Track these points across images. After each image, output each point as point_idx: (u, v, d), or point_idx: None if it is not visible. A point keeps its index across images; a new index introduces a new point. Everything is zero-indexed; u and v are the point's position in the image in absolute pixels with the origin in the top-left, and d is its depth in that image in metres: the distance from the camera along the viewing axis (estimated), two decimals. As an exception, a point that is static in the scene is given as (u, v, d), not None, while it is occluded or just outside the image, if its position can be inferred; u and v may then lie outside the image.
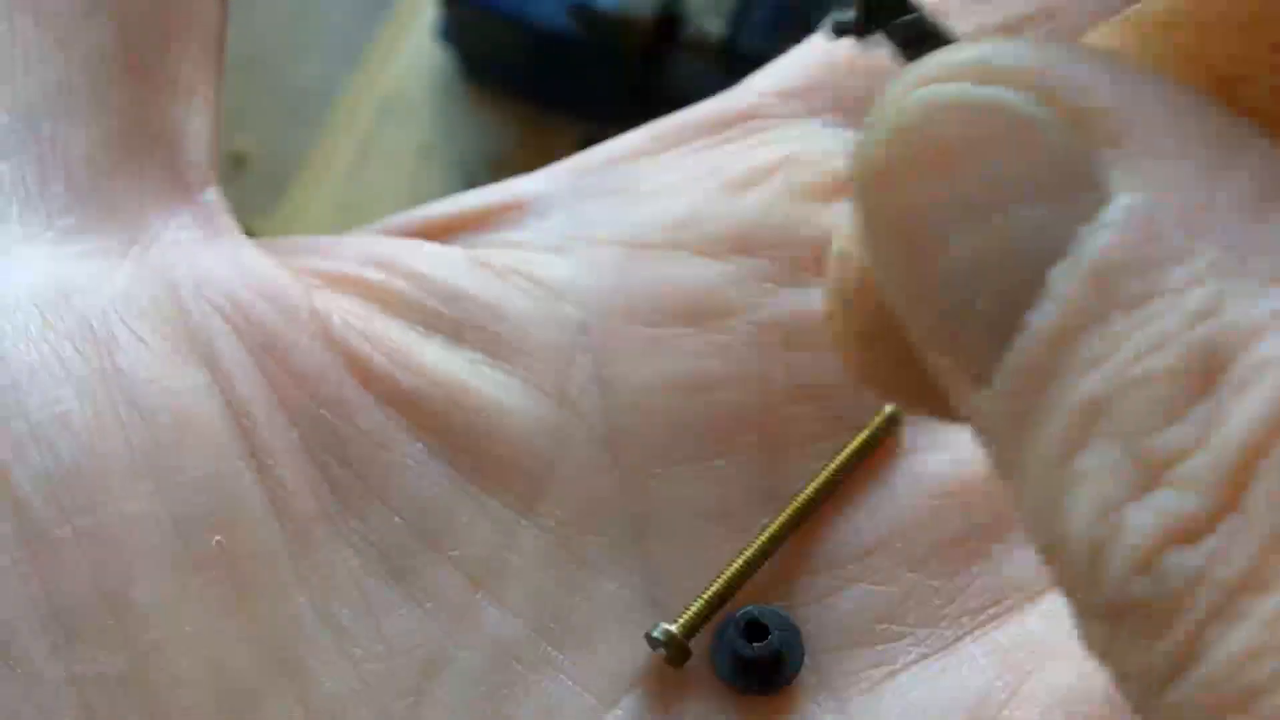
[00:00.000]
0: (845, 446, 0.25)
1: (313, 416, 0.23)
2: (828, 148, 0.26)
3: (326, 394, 0.23)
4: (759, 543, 0.24)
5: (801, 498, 0.25)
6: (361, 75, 0.65)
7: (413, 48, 0.64)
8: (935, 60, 0.14)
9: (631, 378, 0.24)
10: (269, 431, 0.22)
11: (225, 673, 0.21)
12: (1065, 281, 0.13)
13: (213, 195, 0.24)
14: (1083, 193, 0.13)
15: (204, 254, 0.23)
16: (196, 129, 0.24)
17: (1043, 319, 0.13)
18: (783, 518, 0.24)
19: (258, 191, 0.72)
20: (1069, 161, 0.13)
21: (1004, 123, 0.13)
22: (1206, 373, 0.12)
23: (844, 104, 0.26)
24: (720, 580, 0.24)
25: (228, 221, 0.24)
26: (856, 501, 0.25)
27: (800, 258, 0.25)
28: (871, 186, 0.14)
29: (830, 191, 0.25)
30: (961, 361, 0.14)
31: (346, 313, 0.24)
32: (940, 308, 0.14)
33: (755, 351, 0.25)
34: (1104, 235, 0.13)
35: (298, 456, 0.22)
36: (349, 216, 0.62)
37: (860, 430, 0.25)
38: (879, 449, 0.25)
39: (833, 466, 0.25)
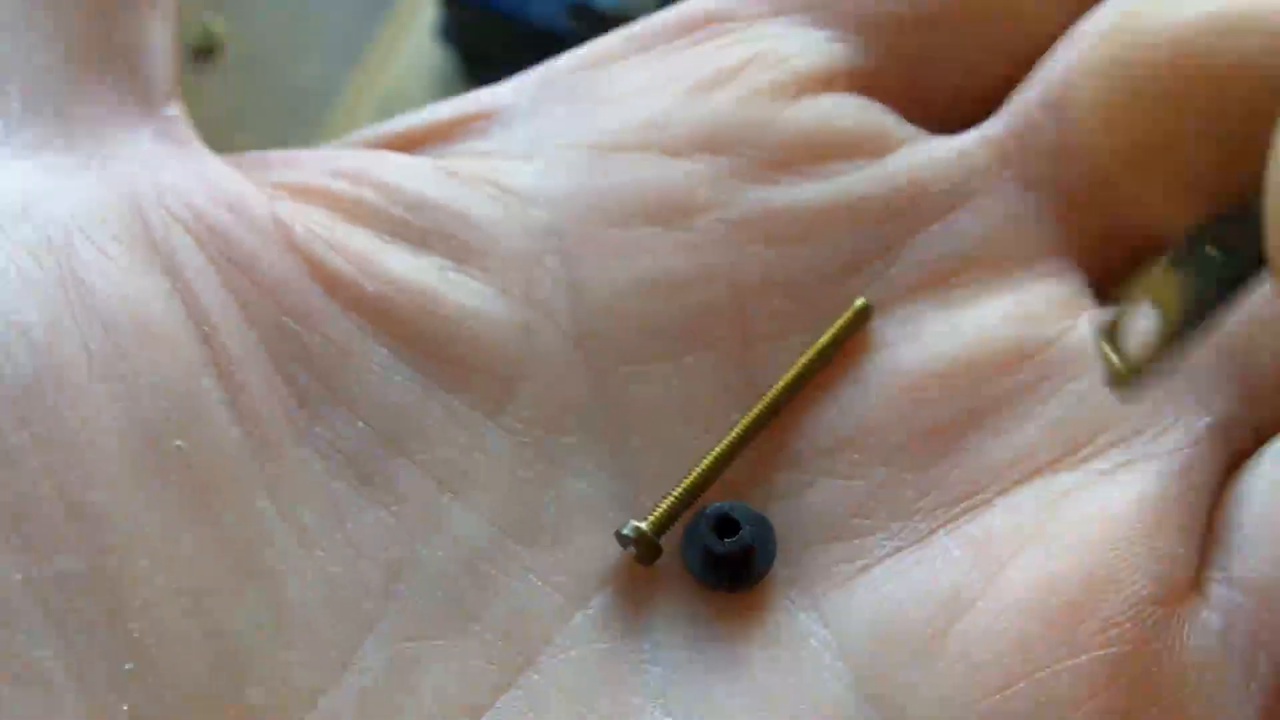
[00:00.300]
0: (817, 340, 0.25)
1: (276, 324, 0.23)
2: (795, 46, 0.26)
3: (290, 302, 0.23)
4: (730, 438, 0.24)
5: (772, 392, 0.24)
6: (361, 75, 0.65)
7: (413, 48, 0.64)
8: None
9: (601, 279, 0.24)
10: (231, 339, 0.22)
11: (186, 573, 0.21)
12: None
13: (175, 109, 0.24)
14: None
15: (166, 166, 0.23)
16: (157, 42, 0.24)
17: None
18: (754, 413, 0.24)
19: (258, 191, 0.71)
20: None
21: None
22: None
23: (811, 2, 0.27)
24: (691, 477, 0.24)
25: (190, 134, 0.24)
26: (828, 395, 0.25)
27: (768, 154, 0.25)
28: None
29: (798, 89, 0.26)
30: None
31: (311, 221, 0.24)
32: None
33: (726, 249, 0.25)
34: None
35: (261, 363, 0.22)
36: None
37: (832, 323, 0.25)
38: (851, 342, 0.25)
39: (803, 360, 0.25)
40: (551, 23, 0.55)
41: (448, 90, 0.63)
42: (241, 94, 0.71)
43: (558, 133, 0.26)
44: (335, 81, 0.67)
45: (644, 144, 0.25)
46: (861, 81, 0.26)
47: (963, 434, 0.24)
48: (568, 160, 0.25)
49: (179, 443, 0.21)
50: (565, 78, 0.27)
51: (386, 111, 0.64)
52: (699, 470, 0.24)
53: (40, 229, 0.22)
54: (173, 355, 0.22)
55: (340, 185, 0.24)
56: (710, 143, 0.25)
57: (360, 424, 0.23)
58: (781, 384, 0.25)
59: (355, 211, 0.24)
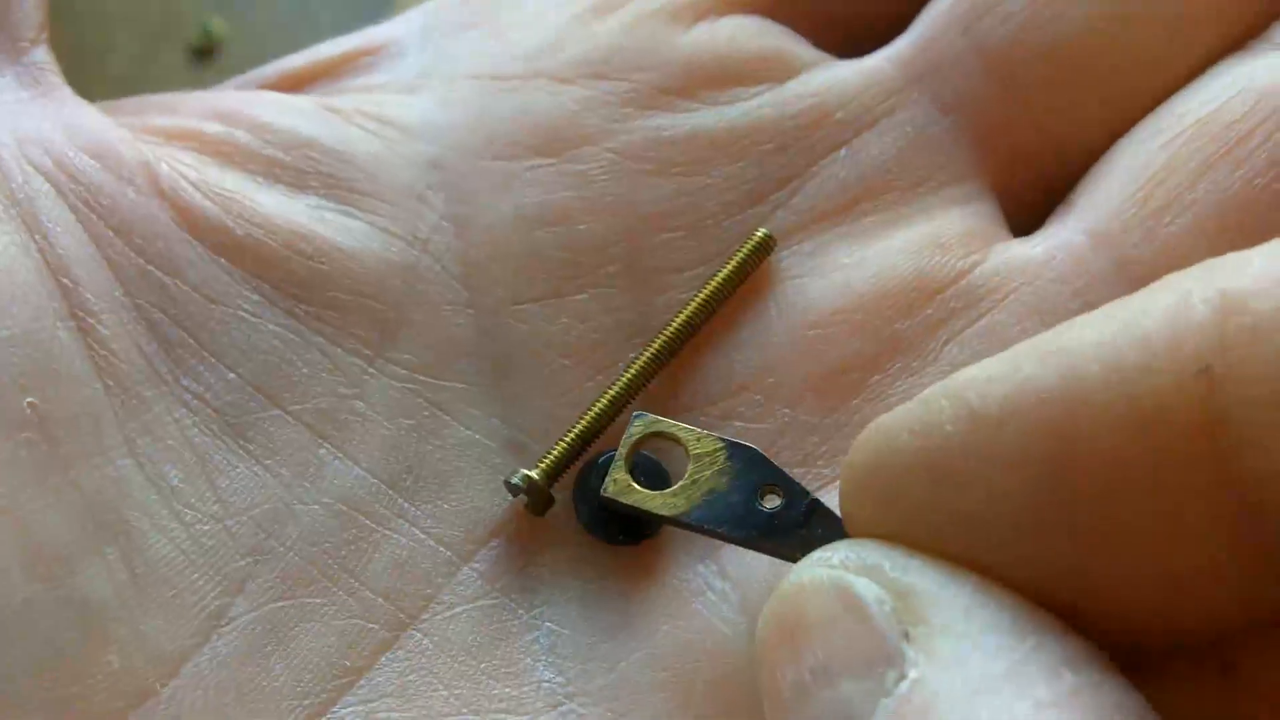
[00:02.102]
0: (715, 275, 0.24)
1: (140, 272, 0.22)
2: None
3: (155, 249, 0.22)
4: (624, 380, 0.23)
5: (669, 330, 0.23)
6: (361, 75, 0.65)
7: (412, 48, 0.63)
8: (817, 552, 0.17)
9: (487, 214, 0.24)
10: (91, 290, 0.22)
11: (36, 538, 0.20)
12: None
13: (42, 54, 0.24)
14: (888, 669, 0.16)
15: (29, 114, 0.23)
16: None
17: None
18: (649, 352, 0.23)
19: (258, 191, 0.71)
20: (882, 638, 0.16)
21: (845, 603, 0.16)
22: None
23: None
24: (583, 421, 0.23)
25: (56, 80, 0.24)
26: (729, 333, 0.24)
27: (663, 80, 0.24)
28: (759, 653, 0.17)
29: (694, 12, 0.25)
30: None
31: (178, 163, 0.23)
32: None
33: (616, 179, 0.24)
34: (894, 706, 0.15)
35: (123, 315, 0.22)
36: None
37: (732, 256, 0.24)
38: (753, 276, 0.24)
39: (701, 296, 0.24)
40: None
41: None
42: (241, 94, 0.70)
43: (445, 64, 0.25)
44: (335, 81, 0.67)
45: (531, 72, 0.24)
46: (761, 4, 0.26)
47: (867, 375, 0.23)
48: (455, 92, 0.24)
49: (30, 399, 0.21)
50: (455, 10, 0.26)
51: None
52: (592, 414, 0.23)
53: None
54: (25, 308, 0.21)
55: (213, 127, 0.24)
56: (601, 69, 0.24)
57: (230, 374, 0.22)
58: (678, 321, 0.24)
59: (228, 153, 0.23)
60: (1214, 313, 0.15)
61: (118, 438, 0.21)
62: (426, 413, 0.23)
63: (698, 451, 0.21)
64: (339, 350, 0.23)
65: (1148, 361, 0.15)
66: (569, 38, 0.25)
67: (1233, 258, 0.16)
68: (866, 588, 0.17)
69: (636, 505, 0.21)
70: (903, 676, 0.16)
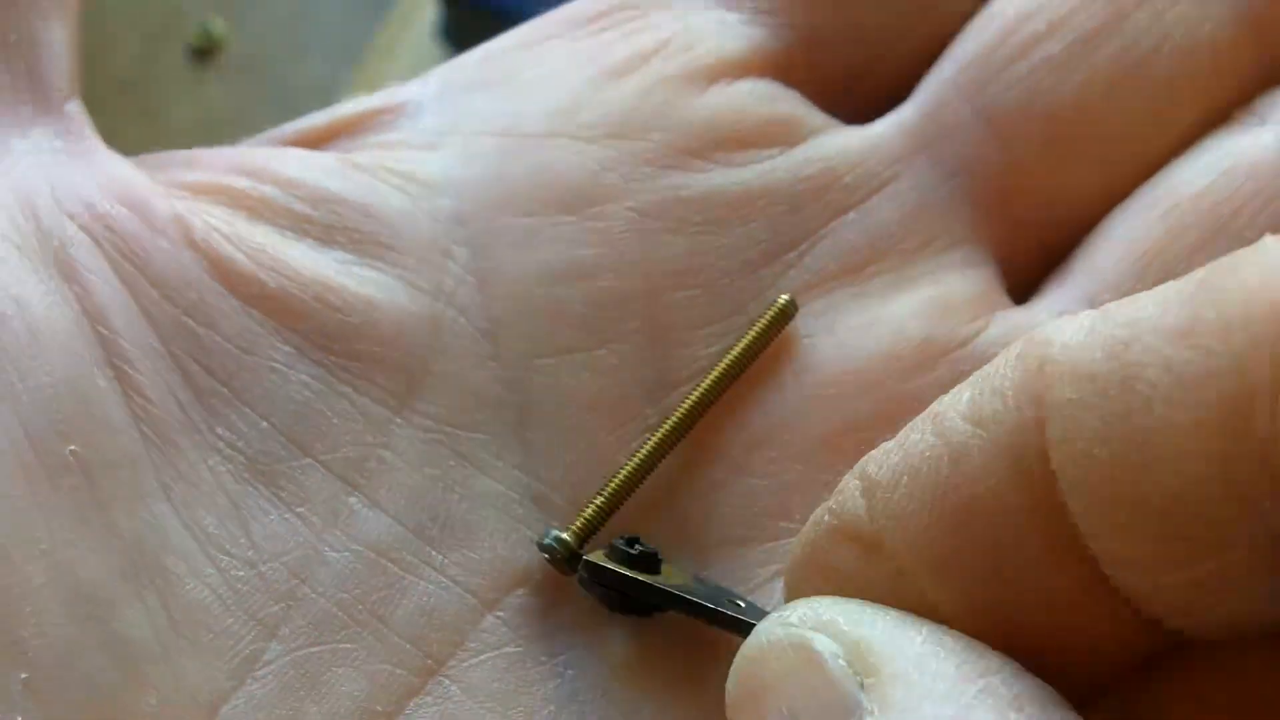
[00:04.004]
0: (737, 337, 0.24)
1: (175, 323, 0.22)
2: (708, 31, 0.26)
3: (189, 300, 0.22)
4: (652, 443, 0.23)
5: (695, 395, 0.24)
6: (361, 75, 0.65)
7: (413, 48, 0.64)
8: (775, 612, 0.18)
9: (509, 268, 0.24)
10: (128, 339, 0.22)
11: (79, 580, 0.21)
12: None
13: (74, 107, 0.24)
14: (849, 718, 0.17)
15: (63, 165, 0.23)
16: (57, 39, 0.24)
17: None
18: (676, 416, 0.24)
19: (258, 191, 0.71)
20: (841, 692, 0.17)
21: (804, 658, 0.17)
22: None
23: None
24: (611, 485, 0.23)
25: (89, 133, 0.24)
26: (745, 392, 0.24)
27: (680, 141, 0.25)
28: (729, 714, 0.18)
29: (711, 75, 0.25)
30: None
31: (211, 218, 0.23)
32: None
33: (636, 237, 0.24)
34: None
35: (159, 363, 0.22)
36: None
37: (754, 320, 0.24)
38: (772, 339, 0.24)
39: (726, 361, 0.24)
40: (551, 23, 0.56)
41: (448, 90, 0.63)
42: (241, 94, 0.70)
43: (465, 121, 0.25)
44: (335, 81, 0.67)
45: (552, 131, 0.25)
46: (774, 67, 0.26)
47: (877, 434, 0.23)
48: (475, 148, 0.25)
49: (72, 448, 0.21)
50: (474, 68, 0.26)
51: (386, 111, 0.64)
52: (620, 477, 0.23)
53: None
54: (66, 357, 0.22)
55: (241, 182, 0.24)
56: (620, 130, 0.25)
57: (262, 423, 0.23)
58: (704, 386, 0.24)
59: (257, 208, 0.24)
60: (1037, 369, 0.17)
61: (155, 484, 0.22)
62: (452, 462, 0.23)
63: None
64: (366, 400, 0.23)
65: (999, 414, 0.17)
66: (588, 98, 0.25)
67: (1061, 322, 0.17)
68: (823, 643, 0.17)
69: (612, 570, 0.22)
70: None
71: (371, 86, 0.67)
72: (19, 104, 0.23)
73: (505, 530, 0.23)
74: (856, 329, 0.25)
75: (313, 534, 0.22)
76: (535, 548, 0.23)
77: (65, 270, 0.22)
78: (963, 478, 0.17)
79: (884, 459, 0.18)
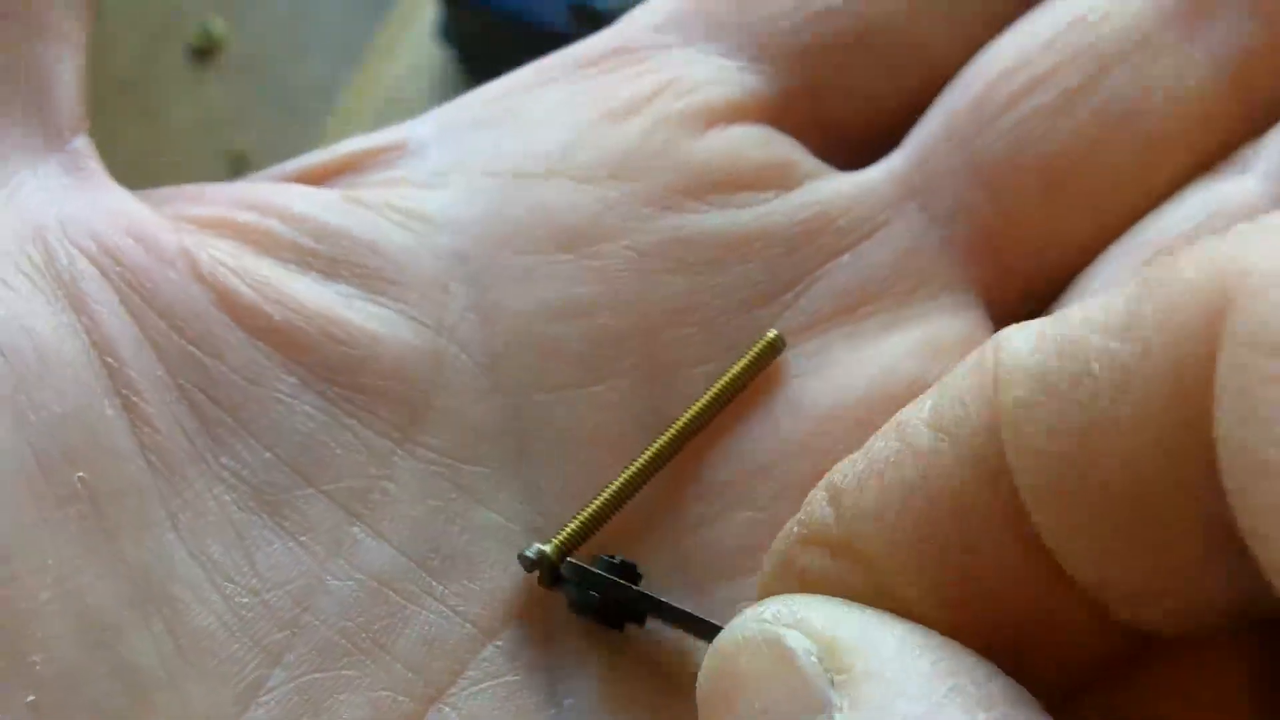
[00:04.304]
0: (728, 370, 0.25)
1: (181, 353, 0.23)
2: (704, 75, 0.26)
3: (195, 330, 0.23)
4: (636, 466, 0.24)
5: (682, 421, 0.24)
6: (361, 75, 0.65)
7: (413, 48, 0.64)
8: (750, 609, 0.18)
9: (510, 305, 0.24)
10: (135, 369, 0.22)
11: (86, 606, 0.21)
12: None
13: (82, 142, 0.24)
14: (819, 715, 0.17)
15: (71, 198, 0.23)
16: (65, 74, 0.24)
17: None
18: (661, 441, 0.24)
19: (258, 191, 0.71)
20: (811, 689, 0.17)
21: (776, 654, 0.17)
22: None
23: (721, 32, 0.27)
24: (596, 502, 0.24)
25: (97, 167, 0.24)
26: (739, 427, 0.25)
27: (678, 182, 0.25)
28: (700, 712, 0.18)
29: (708, 118, 0.26)
30: None
31: (216, 250, 0.24)
32: None
33: (635, 277, 0.25)
34: None
35: (166, 394, 0.22)
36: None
37: (744, 354, 0.25)
38: (762, 374, 0.25)
39: (714, 391, 0.25)
40: (551, 23, 0.55)
41: (448, 90, 0.63)
42: (241, 94, 0.71)
43: (467, 160, 0.26)
44: (335, 81, 0.67)
45: (553, 170, 0.25)
46: (770, 113, 0.27)
47: None
48: (476, 187, 0.25)
49: (81, 474, 0.21)
50: (476, 109, 0.27)
51: (387, 111, 0.64)
52: (604, 496, 0.24)
53: None
54: (75, 386, 0.22)
55: (247, 216, 0.24)
56: (620, 170, 0.25)
57: (267, 453, 0.23)
58: (691, 413, 0.24)
59: (262, 241, 0.24)
60: (991, 373, 0.17)
61: (161, 512, 0.22)
62: (453, 495, 0.24)
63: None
64: (370, 433, 0.23)
65: (959, 419, 0.17)
66: (588, 140, 0.26)
67: (1014, 328, 0.18)
68: (795, 639, 0.17)
69: (588, 571, 0.23)
70: None
71: (371, 86, 0.67)
72: (28, 137, 0.23)
73: (505, 562, 0.23)
74: (848, 368, 0.25)
75: (316, 563, 0.22)
76: (535, 580, 0.23)
77: (74, 300, 0.22)
78: (927, 479, 0.18)
79: (850, 468, 0.18)
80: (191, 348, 0.23)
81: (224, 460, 0.23)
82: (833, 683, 0.17)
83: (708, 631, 0.22)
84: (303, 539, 0.23)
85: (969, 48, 0.27)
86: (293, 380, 0.23)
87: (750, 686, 0.18)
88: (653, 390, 0.25)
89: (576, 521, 0.24)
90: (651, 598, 0.22)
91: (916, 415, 0.18)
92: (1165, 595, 0.17)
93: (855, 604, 0.18)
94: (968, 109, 0.26)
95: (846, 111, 0.27)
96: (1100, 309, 0.17)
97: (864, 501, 0.18)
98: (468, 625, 0.23)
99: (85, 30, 0.24)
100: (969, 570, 0.17)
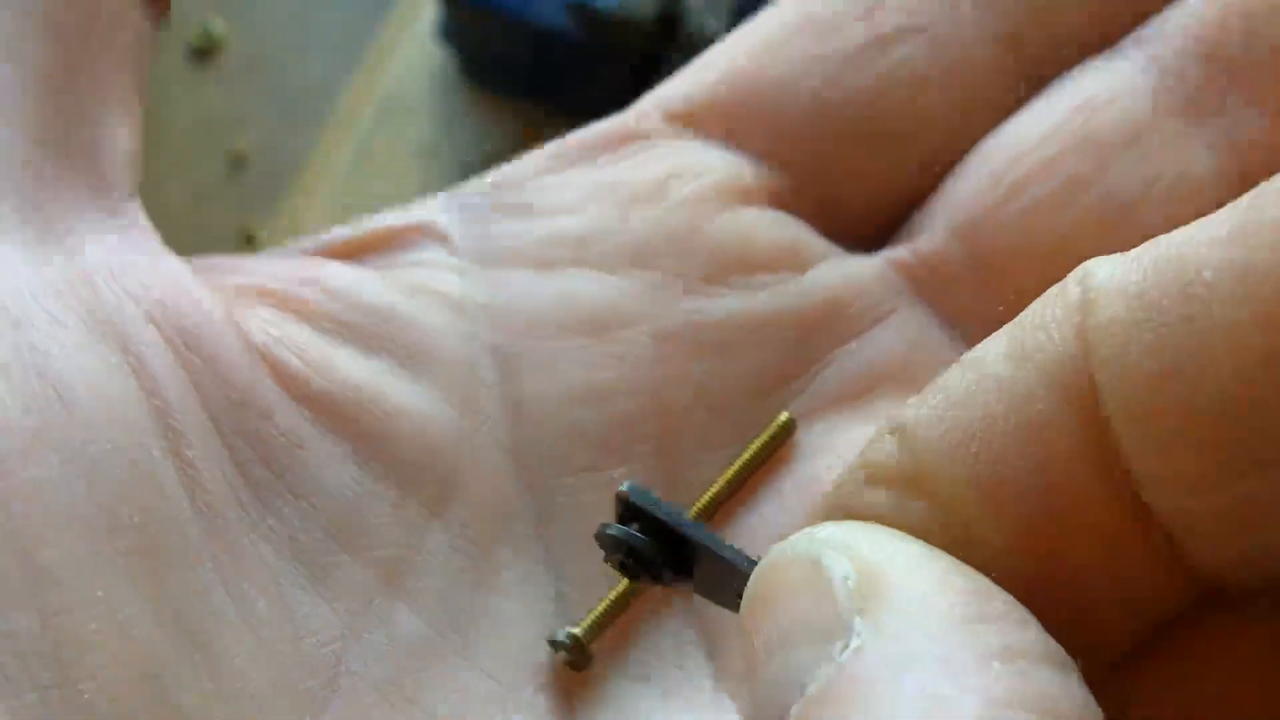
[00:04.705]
0: (741, 454, 0.26)
1: (228, 408, 0.23)
2: (712, 161, 0.27)
3: (243, 387, 0.23)
4: None
5: (697, 506, 0.25)
6: (361, 75, 0.65)
7: (413, 48, 0.64)
8: (807, 528, 0.18)
9: (534, 389, 0.25)
10: (182, 416, 0.23)
11: (134, 639, 0.21)
12: (800, 706, 0.16)
13: (134, 207, 0.25)
14: (836, 639, 0.17)
15: (123, 254, 0.24)
16: (121, 144, 0.25)
17: None
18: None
19: (258, 191, 0.71)
20: (840, 612, 0.17)
21: (810, 572, 0.17)
22: None
23: (729, 126, 0.28)
24: (622, 585, 0.24)
25: (148, 232, 0.25)
26: (749, 505, 0.26)
27: (694, 269, 0.26)
28: (743, 620, 0.18)
29: (720, 202, 0.27)
30: None
31: (262, 319, 0.24)
32: None
33: (652, 362, 0.26)
34: (833, 673, 0.16)
35: (212, 444, 0.23)
36: (349, 216, 0.62)
37: (757, 436, 0.26)
38: (774, 455, 0.26)
39: (728, 475, 0.25)
40: (551, 23, 0.55)
41: (448, 90, 0.63)
42: (241, 94, 0.71)
43: (492, 248, 0.26)
44: (335, 81, 0.67)
45: (577, 259, 0.26)
46: (777, 197, 0.27)
47: None
48: (502, 275, 0.26)
49: (131, 514, 0.22)
50: (495, 193, 0.27)
51: (386, 111, 0.64)
52: (626, 582, 0.24)
53: (4, 305, 0.22)
54: (126, 428, 0.22)
55: (289, 287, 0.25)
56: (638, 259, 0.26)
57: (307, 515, 0.23)
58: (706, 497, 0.25)
59: (303, 311, 0.25)
60: (1079, 299, 0.17)
61: (206, 557, 0.22)
62: (481, 566, 0.24)
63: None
64: (403, 504, 0.24)
65: (1041, 346, 0.17)
66: (607, 228, 0.26)
67: (1094, 262, 0.17)
68: (835, 561, 0.17)
69: (651, 510, 0.22)
70: (846, 647, 0.16)
71: (371, 86, 0.67)
72: (85, 200, 0.24)
73: (531, 630, 0.24)
74: (855, 445, 0.26)
75: (353, 623, 0.23)
76: (553, 652, 0.24)
77: (124, 345, 0.23)
78: (1007, 408, 0.17)
79: (920, 404, 0.18)
80: (239, 406, 0.23)
81: (267, 517, 0.23)
82: (860, 610, 0.17)
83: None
84: (337, 603, 0.23)
85: (972, 135, 0.27)
86: (334, 448, 0.24)
87: (786, 599, 0.18)
88: (669, 473, 0.26)
89: (604, 604, 0.24)
90: (706, 535, 0.22)
91: (992, 351, 0.18)
92: (1252, 526, 0.16)
93: (911, 538, 0.18)
94: (969, 200, 0.27)
95: (852, 197, 0.28)
96: (1201, 228, 0.16)
97: (940, 437, 0.18)
98: (495, 686, 0.24)
99: (142, 102, 0.25)
100: (1048, 506, 0.17)
